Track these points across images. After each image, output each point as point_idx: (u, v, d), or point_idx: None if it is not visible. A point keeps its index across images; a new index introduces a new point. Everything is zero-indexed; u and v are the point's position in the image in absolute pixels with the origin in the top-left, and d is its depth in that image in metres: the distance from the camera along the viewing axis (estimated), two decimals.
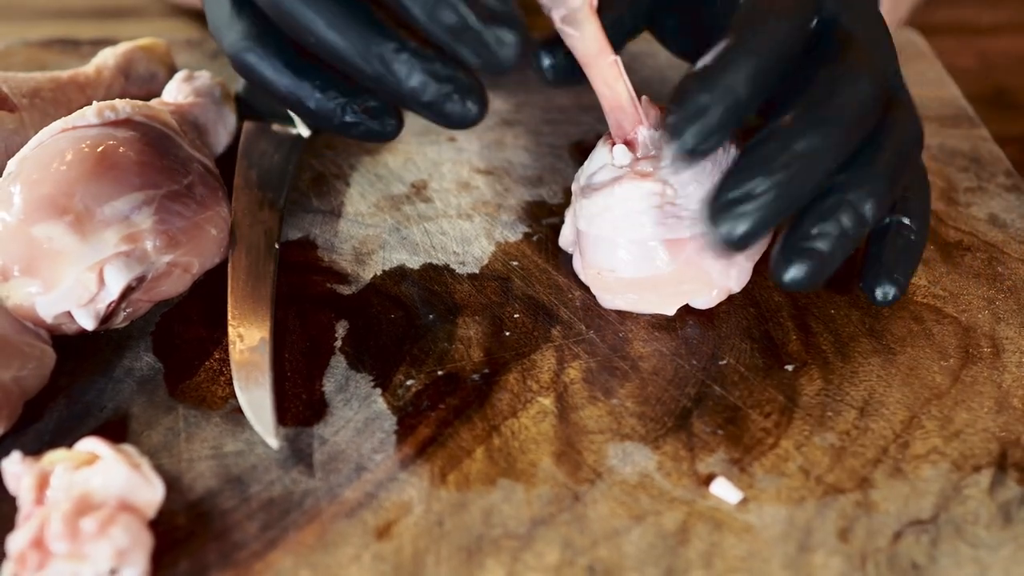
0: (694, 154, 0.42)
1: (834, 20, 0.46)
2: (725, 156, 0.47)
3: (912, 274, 0.48)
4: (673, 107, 0.42)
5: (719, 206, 0.42)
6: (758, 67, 0.42)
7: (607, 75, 0.45)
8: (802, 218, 0.43)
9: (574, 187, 0.49)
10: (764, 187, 0.41)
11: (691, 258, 0.46)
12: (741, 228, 0.41)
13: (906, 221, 0.48)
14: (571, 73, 0.48)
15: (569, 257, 0.51)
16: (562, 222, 0.52)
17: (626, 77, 0.45)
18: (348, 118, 0.45)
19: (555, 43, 0.48)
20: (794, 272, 0.42)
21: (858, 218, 0.43)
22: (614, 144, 0.47)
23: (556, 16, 0.43)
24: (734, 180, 0.42)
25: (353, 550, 0.39)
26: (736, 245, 0.42)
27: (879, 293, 0.47)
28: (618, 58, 0.45)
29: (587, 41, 0.44)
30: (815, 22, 0.46)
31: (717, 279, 0.47)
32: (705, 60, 0.42)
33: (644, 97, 0.47)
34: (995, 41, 0.79)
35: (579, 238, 0.49)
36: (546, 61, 0.49)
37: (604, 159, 0.47)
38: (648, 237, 0.46)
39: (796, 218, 0.43)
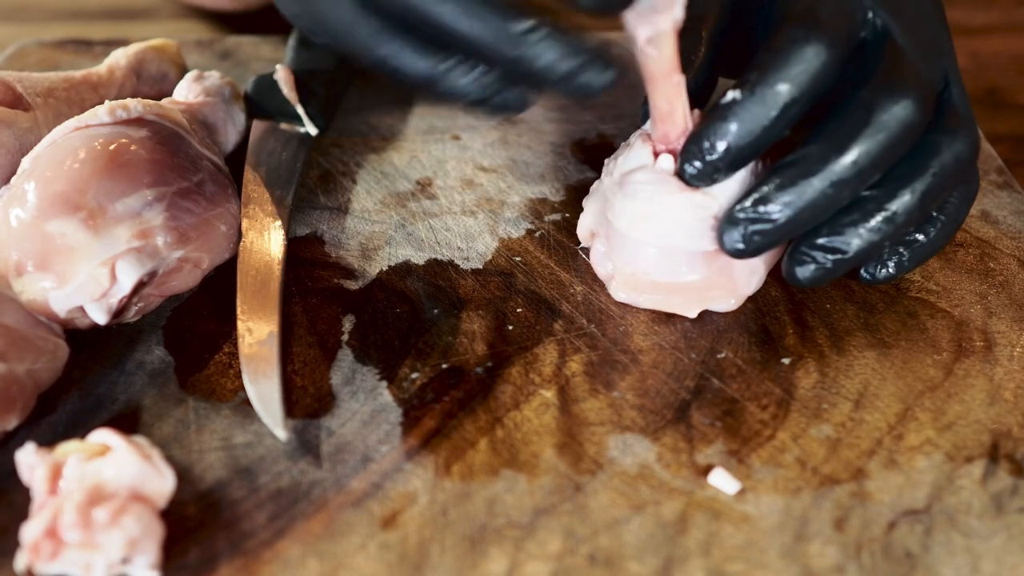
0: (693, 182, 0.45)
1: (885, 31, 0.45)
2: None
3: (912, 266, 0.48)
4: (689, 140, 0.45)
5: (734, 219, 0.44)
6: (780, 105, 0.43)
7: (670, 93, 0.45)
8: (820, 226, 0.45)
9: (605, 180, 0.49)
10: (779, 212, 0.43)
11: (723, 268, 0.47)
12: (748, 245, 0.44)
13: (932, 213, 0.47)
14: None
15: (571, 253, 0.52)
16: (564, 218, 0.52)
17: (686, 95, 0.45)
18: (491, 96, 0.43)
19: None
20: (797, 273, 0.46)
21: (872, 242, 0.45)
22: (656, 151, 0.47)
23: (641, 35, 0.42)
24: (753, 200, 0.44)
25: (359, 539, 0.39)
26: (740, 256, 0.45)
27: (864, 273, 0.48)
28: (683, 77, 0.45)
29: (663, 61, 0.43)
30: (863, 34, 0.45)
31: (741, 287, 0.48)
32: (730, 95, 0.44)
33: (696, 111, 0.47)
34: (987, 41, 0.79)
35: (609, 234, 0.49)
36: None
37: (643, 159, 0.47)
38: (689, 247, 0.47)
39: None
